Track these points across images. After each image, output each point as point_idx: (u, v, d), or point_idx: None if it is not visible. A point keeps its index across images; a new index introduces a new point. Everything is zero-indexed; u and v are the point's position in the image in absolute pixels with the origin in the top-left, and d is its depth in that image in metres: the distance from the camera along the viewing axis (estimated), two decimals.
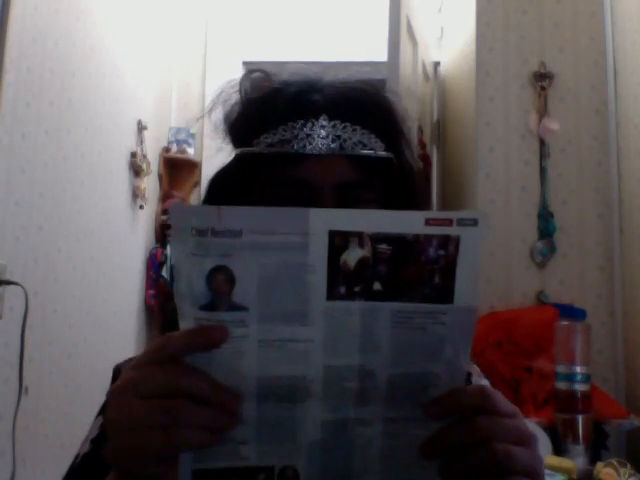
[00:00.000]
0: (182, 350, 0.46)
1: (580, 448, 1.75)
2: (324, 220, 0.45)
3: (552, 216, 2.51)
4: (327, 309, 0.47)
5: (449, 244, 0.46)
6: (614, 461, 1.58)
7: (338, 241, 0.46)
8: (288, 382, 0.48)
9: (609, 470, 1.56)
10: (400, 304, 0.47)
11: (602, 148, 2.54)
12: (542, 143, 2.55)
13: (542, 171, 2.54)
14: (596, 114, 2.56)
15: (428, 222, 0.46)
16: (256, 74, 0.75)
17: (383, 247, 0.46)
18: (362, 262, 0.46)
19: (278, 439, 0.50)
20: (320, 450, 0.50)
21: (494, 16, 2.64)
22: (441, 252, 0.46)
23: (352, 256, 0.46)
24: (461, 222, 0.46)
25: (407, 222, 0.46)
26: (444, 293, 0.47)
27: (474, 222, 0.46)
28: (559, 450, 1.75)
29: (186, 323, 0.47)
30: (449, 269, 0.47)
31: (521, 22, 2.64)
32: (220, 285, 0.45)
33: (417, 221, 0.46)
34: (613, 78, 2.55)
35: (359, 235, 0.46)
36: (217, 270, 0.45)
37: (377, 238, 0.46)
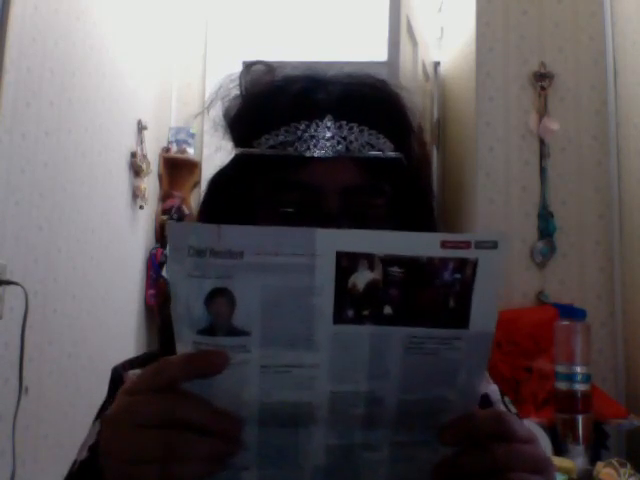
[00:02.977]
0: (180, 377, 0.44)
1: (580, 448, 1.75)
2: (332, 241, 0.43)
3: (552, 216, 2.51)
4: (334, 333, 0.45)
5: (466, 267, 0.44)
6: (614, 461, 1.58)
7: (346, 262, 0.43)
8: (292, 408, 0.46)
9: (609, 470, 1.56)
10: (412, 329, 0.45)
11: (602, 148, 2.54)
12: (542, 143, 2.55)
13: (542, 171, 2.54)
14: (596, 114, 2.56)
15: (444, 245, 0.44)
16: (256, 67, 0.72)
17: (395, 270, 0.44)
18: (372, 285, 0.44)
19: (281, 464, 0.48)
20: (324, 476, 0.48)
21: (494, 16, 2.64)
22: (457, 276, 0.44)
23: (361, 278, 0.44)
24: (480, 245, 0.44)
25: (421, 244, 0.44)
26: (459, 318, 0.45)
27: (494, 245, 0.44)
28: (559, 450, 1.75)
29: (184, 347, 0.44)
30: (465, 293, 0.45)
31: (521, 22, 2.64)
32: (220, 308, 0.43)
33: (432, 243, 0.44)
34: (613, 78, 2.55)
35: (369, 257, 0.43)
36: (217, 292, 0.43)
37: (389, 260, 0.43)
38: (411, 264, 0.44)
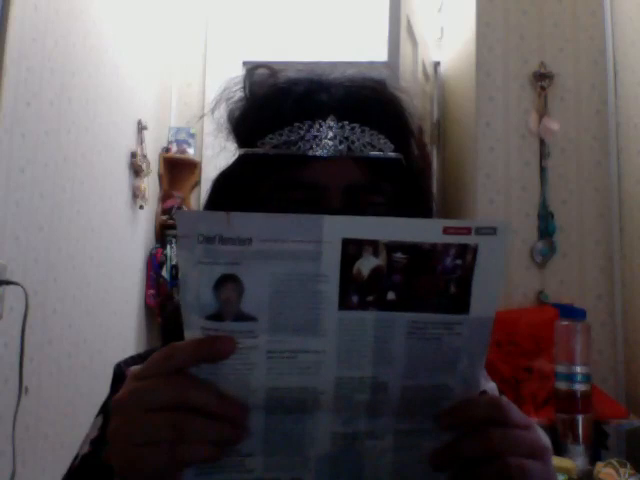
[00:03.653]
0: (188, 361, 0.45)
1: (580, 448, 1.74)
2: (338, 228, 0.44)
3: (552, 216, 2.51)
4: (339, 319, 0.45)
5: (467, 253, 0.45)
6: (614, 461, 1.58)
7: (352, 249, 0.44)
8: (298, 394, 0.47)
9: (609, 470, 1.56)
10: (415, 314, 0.46)
11: (602, 148, 2.54)
12: (542, 143, 2.55)
13: (542, 171, 2.54)
14: (596, 114, 2.56)
15: (446, 230, 0.45)
16: (260, 71, 0.73)
17: (399, 256, 0.45)
18: (376, 271, 0.45)
19: (285, 451, 0.48)
20: (329, 463, 0.49)
21: (494, 16, 2.64)
22: (458, 261, 0.45)
23: (366, 265, 0.45)
24: (480, 231, 0.45)
25: (424, 230, 0.45)
26: (460, 303, 0.46)
27: (493, 231, 0.45)
28: (559, 450, 1.75)
29: (192, 333, 0.45)
30: (466, 279, 0.46)
31: (521, 22, 2.63)
32: (228, 294, 0.44)
33: (435, 229, 0.45)
34: (613, 78, 2.55)
35: (374, 243, 0.44)
36: (225, 279, 0.44)
37: (393, 246, 0.44)
38: (414, 250, 0.45)
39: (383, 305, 0.46)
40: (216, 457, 0.45)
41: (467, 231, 0.45)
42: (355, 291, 0.45)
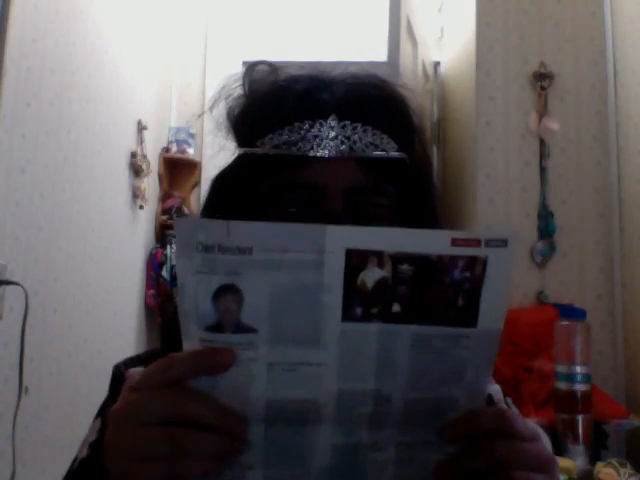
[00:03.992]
0: (186, 373, 0.44)
1: (580, 448, 1.74)
2: (341, 238, 0.43)
3: (552, 216, 2.51)
4: (342, 331, 0.44)
5: (476, 265, 0.44)
6: (614, 461, 1.58)
7: (356, 260, 0.43)
8: (298, 406, 0.45)
9: (609, 470, 1.56)
10: (420, 327, 0.45)
11: (602, 148, 2.54)
12: (542, 143, 2.55)
13: (542, 171, 2.54)
14: (596, 114, 2.56)
15: (454, 242, 0.43)
16: (260, 67, 0.71)
17: (405, 267, 0.43)
18: (381, 282, 0.43)
19: (286, 464, 0.47)
20: (330, 476, 0.48)
21: (494, 16, 2.64)
22: (466, 274, 0.44)
23: (370, 276, 0.43)
24: (490, 243, 0.44)
25: (432, 242, 0.44)
26: (468, 316, 0.45)
27: (504, 243, 0.44)
28: (559, 450, 1.75)
29: (191, 344, 0.44)
30: (474, 291, 0.44)
31: (521, 22, 2.63)
32: (228, 305, 0.43)
33: (443, 241, 0.43)
34: (613, 78, 2.55)
35: (379, 254, 0.43)
36: (225, 289, 0.43)
37: (399, 258, 0.43)
38: (421, 262, 0.43)
39: (388, 317, 0.44)
40: (216, 471, 0.44)
41: (477, 243, 0.44)
42: (359, 303, 0.44)
